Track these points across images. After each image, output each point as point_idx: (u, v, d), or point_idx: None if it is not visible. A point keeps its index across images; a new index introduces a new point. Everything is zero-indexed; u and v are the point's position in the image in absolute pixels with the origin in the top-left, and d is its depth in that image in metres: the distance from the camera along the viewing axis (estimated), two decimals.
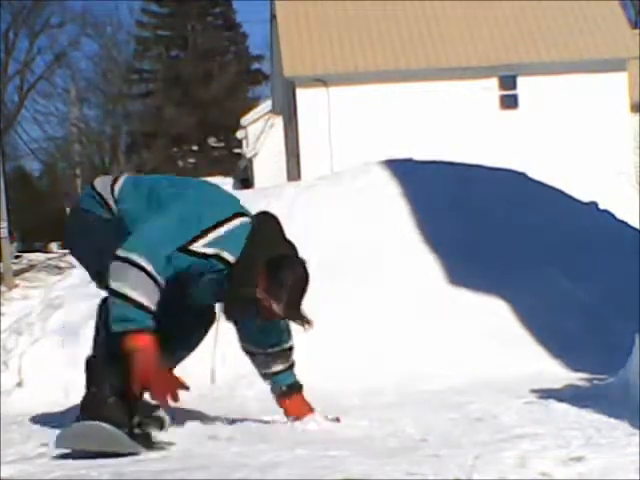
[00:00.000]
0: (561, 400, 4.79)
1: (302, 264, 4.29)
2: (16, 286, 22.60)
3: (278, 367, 4.65)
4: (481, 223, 7.40)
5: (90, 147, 49.79)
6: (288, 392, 4.61)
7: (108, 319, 4.16)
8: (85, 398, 4.29)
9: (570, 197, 8.34)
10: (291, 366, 4.68)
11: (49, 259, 36.91)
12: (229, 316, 4.51)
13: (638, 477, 3.21)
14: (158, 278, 4.08)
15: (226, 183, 36.19)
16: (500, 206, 7.69)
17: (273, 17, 31.54)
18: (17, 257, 36.42)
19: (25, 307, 7.38)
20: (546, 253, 7.13)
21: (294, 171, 29.33)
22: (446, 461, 3.58)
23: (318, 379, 5.59)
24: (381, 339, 6.13)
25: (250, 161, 38.75)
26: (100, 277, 4.42)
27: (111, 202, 4.44)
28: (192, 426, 4.56)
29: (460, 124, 28.13)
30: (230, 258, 4.27)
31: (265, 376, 4.70)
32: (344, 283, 6.57)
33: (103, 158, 49.16)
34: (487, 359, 5.96)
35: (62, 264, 30.84)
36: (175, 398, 4.13)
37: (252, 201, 7.82)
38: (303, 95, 28.85)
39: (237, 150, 46.02)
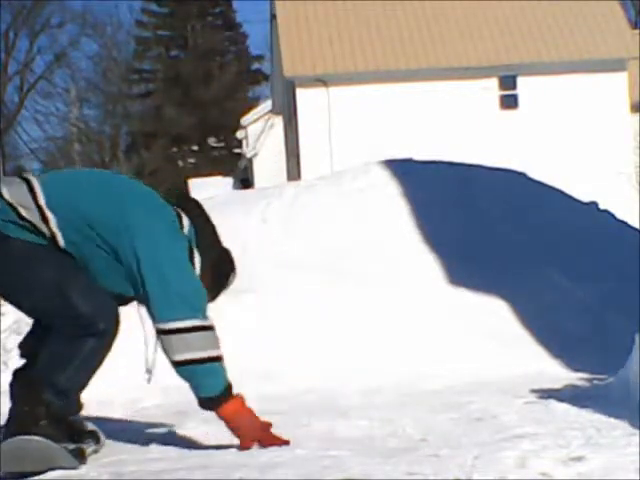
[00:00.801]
0: (561, 400, 4.79)
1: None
2: None
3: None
4: (481, 223, 7.40)
5: (90, 147, 49.80)
6: None
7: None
8: (15, 414, 3.90)
9: (570, 197, 8.34)
10: None
11: None
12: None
13: (638, 477, 3.21)
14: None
15: (226, 183, 36.22)
16: (500, 206, 7.69)
17: (273, 17, 31.54)
18: None
19: None
20: (546, 253, 7.13)
21: (294, 171, 29.34)
22: (446, 461, 3.58)
23: (318, 379, 5.59)
24: (381, 339, 6.13)
25: (250, 161, 38.74)
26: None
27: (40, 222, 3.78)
28: (192, 426, 4.56)
29: (460, 124, 28.13)
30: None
31: None
32: (344, 283, 6.57)
33: (103, 158, 49.15)
34: (487, 359, 5.96)
35: None
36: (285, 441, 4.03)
37: (252, 201, 7.83)
38: (303, 95, 28.85)
39: (237, 150, 46.02)
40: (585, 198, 8.53)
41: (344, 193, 7.66)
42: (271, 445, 4.00)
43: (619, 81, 29.08)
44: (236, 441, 4.17)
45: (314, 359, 5.86)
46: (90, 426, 4.17)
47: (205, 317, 3.97)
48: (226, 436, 4.34)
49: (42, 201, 3.77)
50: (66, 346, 3.94)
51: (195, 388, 4.02)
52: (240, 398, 4.08)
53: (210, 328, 4.00)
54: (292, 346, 5.99)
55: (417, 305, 6.47)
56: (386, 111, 28.19)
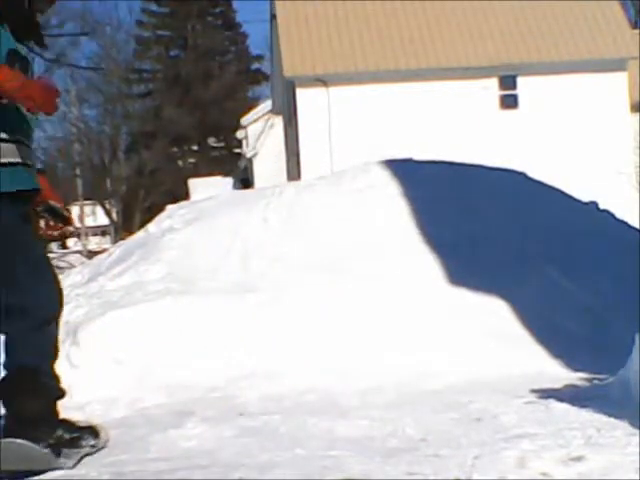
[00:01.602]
0: (561, 400, 4.79)
1: None
2: None
3: None
4: (481, 223, 7.40)
5: (90, 147, 49.79)
6: None
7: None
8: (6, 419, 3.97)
9: (570, 197, 8.34)
10: None
11: None
12: None
13: (638, 477, 3.21)
14: None
15: (226, 183, 36.21)
16: (500, 206, 7.69)
17: (273, 17, 31.54)
18: None
19: None
20: (546, 253, 7.13)
21: (294, 171, 29.34)
22: (446, 461, 3.58)
23: (318, 378, 5.59)
24: (381, 339, 6.13)
25: (250, 161, 38.75)
26: None
27: None
28: (192, 426, 4.56)
29: (460, 124, 28.13)
30: None
31: None
32: (344, 282, 6.57)
33: (103, 158, 49.15)
34: (487, 359, 5.95)
35: (62, 264, 30.85)
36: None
37: (252, 201, 7.83)
38: (303, 95, 28.85)
39: (237, 150, 46.03)
40: (585, 198, 8.53)
41: (344, 193, 7.66)
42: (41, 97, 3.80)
43: (619, 81, 29.08)
44: (236, 440, 4.18)
45: (314, 359, 5.86)
46: (88, 423, 4.28)
47: None
48: (226, 436, 4.35)
49: None
50: None
51: None
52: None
53: None
54: (292, 346, 5.99)
55: (417, 305, 6.47)
56: (386, 111, 28.19)
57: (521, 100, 29.42)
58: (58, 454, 3.88)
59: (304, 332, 6.10)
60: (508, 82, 29.46)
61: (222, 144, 53.59)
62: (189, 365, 5.80)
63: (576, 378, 5.62)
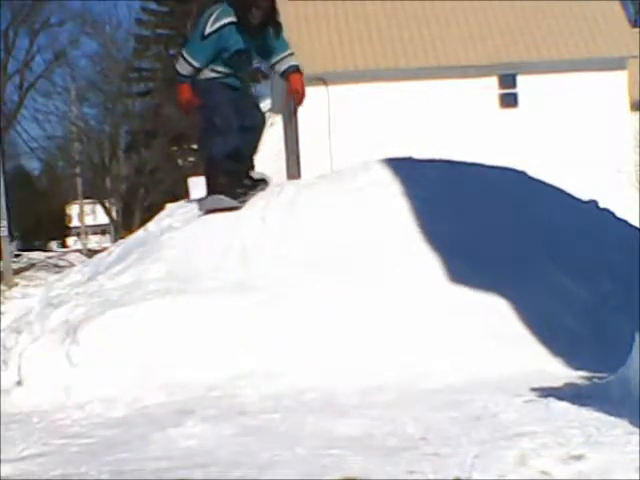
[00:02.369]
0: (561, 399, 4.79)
1: None
2: (16, 285, 22.59)
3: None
4: (481, 221, 7.39)
5: (90, 146, 49.73)
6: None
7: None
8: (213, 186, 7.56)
9: (570, 195, 8.34)
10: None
11: (49, 258, 36.93)
12: None
13: (638, 476, 3.21)
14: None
15: None
16: (500, 205, 7.69)
17: None
18: (17, 256, 36.43)
19: (25, 306, 7.37)
20: (546, 251, 7.13)
21: (294, 170, 29.33)
22: (446, 460, 3.58)
23: (318, 378, 5.59)
24: (381, 338, 6.13)
25: None
26: None
27: None
28: (192, 425, 4.56)
29: (460, 123, 28.13)
30: None
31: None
32: (344, 281, 6.57)
33: (103, 157, 49.09)
34: (487, 358, 5.95)
35: (62, 263, 30.86)
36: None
37: (251, 200, 7.83)
38: None
39: None
40: (585, 197, 8.53)
41: (344, 192, 7.66)
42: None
43: (619, 80, 29.08)
44: (236, 439, 4.18)
45: (314, 358, 5.86)
46: (260, 175, 7.84)
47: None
48: (226, 435, 4.35)
49: None
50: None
51: None
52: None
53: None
54: (292, 345, 5.99)
55: (417, 304, 6.47)
56: (386, 110, 28.19)
57: (521, 99, 29.41)
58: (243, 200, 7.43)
59: (304, 331, 6.10)
60: (508, 81, 29.46)
61: None
62: (189, 364, 5.80)
63: (576, 377, 5.62)
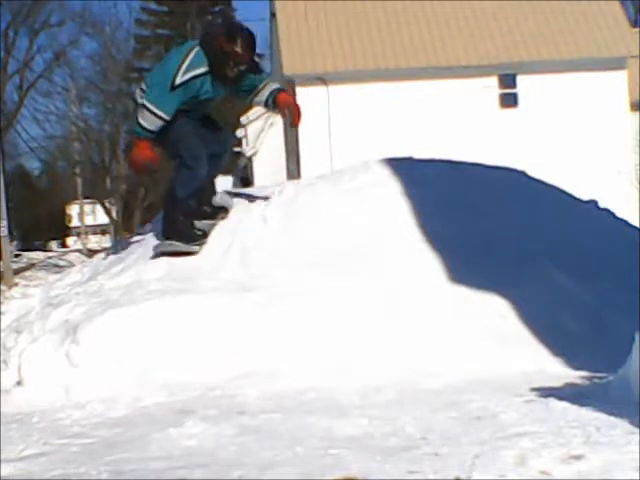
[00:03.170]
0: (561, 398, 4.79)
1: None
2: (16, 285, 22.60)
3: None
4: (481, 221, 7.39)
5: (90, 146, 49.74)
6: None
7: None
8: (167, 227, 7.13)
9: (570, 195, 8.34)
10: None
11: (49, 258, 36.93)
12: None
13: (638, 476, 3.21)
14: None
15: (226, 182, 36.14)
16: (499, 205, 7.68)
17: (273, 15, 31.54)
18: (17, 256, 36.44)
19: (25, 306, 7.37)
20: (546, 251, 7.13)
21: (294, 170, 29.33)
22: (446, 460, 3.58)
23: (318, 378, 5.59)
24: (381, 337, 6.13)
25: (250, 160, 38.71)
26: None
27: None
28: (191, 424, 4.56)
29: (460, 122, 28.12)
30: None
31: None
32: (344, 281, 6.57)
33: (103, 157, 49.09)
34: (487, 358, 5.95)
35: (62, 263, 30.86)
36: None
37: (252, 200, 7.83)
38: (303, 93, 28.81)
39: (237, 149, 45.99)
40: (585, 196, 8.53)
41: (344, 191, 7.66)
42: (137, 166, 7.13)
43: (619, 79, 29.08)
44: (236, 439, 4.18)
45: (314, 358, 5.86)
46: (221, 202, 7.32)
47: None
48: (226, 434, 4.35)
49: None
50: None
51: None
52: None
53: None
54: (292, 344, 5.99)
55: (417, 304, 6.47)
56: (386, 109, 28.19)
57: (521, 99, 29.41)
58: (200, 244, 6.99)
59: (304, 331, 6.10)
60: (508, 81, 29.45)
61: None
62: (189, 364, 5.80)
63: (576, 377, 5.62)
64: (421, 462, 3.55)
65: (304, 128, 28.84)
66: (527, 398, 4.96)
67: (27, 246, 49.88)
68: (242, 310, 6.22)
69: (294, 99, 7.28)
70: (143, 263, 7.14)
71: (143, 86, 7.05)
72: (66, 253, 46.09)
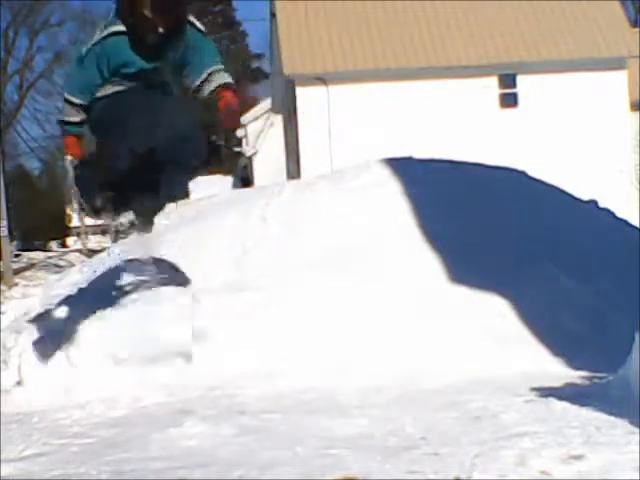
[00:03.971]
0: (561, 398, 4.78)
1: None
2: (16, 285, 22.59)
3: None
4: (481, 221, 7.39)
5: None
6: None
7: None
8: None
9: (570, 195, 8.34)
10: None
11: (49, 258, 36.90)
12: None
13: (638, 476, 3.21)
14: None
15: (226, 182, 36.14)
16: (500, 204, 7.68)
17: (273, 15, 31.52)
18: (17, 256, 36.42)
19: (25, 306, 7.37)
20: (546, 251, 7.13)
21: (294, 170, 29.32)
22: (446, 459, 3.58)
23: (318, 377, 5.59)
24: (381, 337, 6.13)
25: (250, 160, 38.71)
26: None
27: None
28: (191, 424, 4.56)
29: (460, 123, 28.10)
30: None
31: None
32: (344, 281, 6.57)
33: None
34: (487, 358, 5.95)
35: (62, 263, 30.85)
36: None
37: (252, 200, 7.83)
38: (303, 93, 28.82)
39: (237, 149, 45.97)
40: (585, 196, 8.52)
41: (344, 191, 7.66)
42: None
43: (619, 80, 29.06)
44: (236, 439, 4.18)
45: (314, 358, 5.86)
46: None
47: None
48: (226, 434, 4.35)
49: None
50: None
51: None
52: None
53: None
54: (292, 344, 5.99)
55: (417, 303, 6.47)
56: (386, 109, 28.17)
57: (521, 99, 29.39)
58: None
59: (304, 331, 6.10)
60: (508, 81, 29.43)
61: (222, 143, 53.50)
62: (189, 364, 5.80)
63: (576, 377, 5.62)
64: (421, 462, 3.55)
65: (304, 128, 28.86)
66: (527, 398, 4.96)
67: (27, 246, 49.83)
68: (242, 310, 6.22)
69: (237, 102, 5.76)
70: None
71: None
72: (66, 253, 46.06)
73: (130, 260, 6.35)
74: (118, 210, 5.58)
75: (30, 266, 31.13)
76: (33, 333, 6.44)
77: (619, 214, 8.33)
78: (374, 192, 7.61)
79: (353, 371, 5.76)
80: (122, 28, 5.27)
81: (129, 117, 5.33)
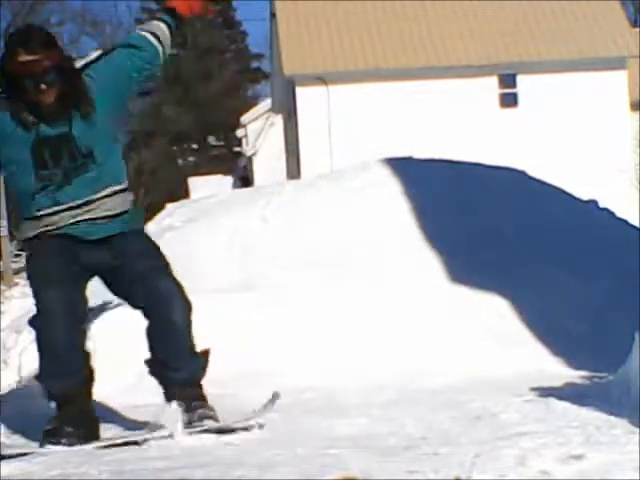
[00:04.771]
0: (561, 398, 4.78)
1: None
2: (16, 284, 22.59)
3: None
4: (481, 221, 7.40)
5: None
6: None
7: None
8: None
9: (570, 195, 8.34)
10: None
11: None
12: None
13: (638, 476, 3.21)
14: None
15: (226, 182, 36.17)
16: (499, 204, 7.69)
17: (273, 15, 31.53)
18: (17, 256, 36.40)
19: (25, 305, 7.37)
20: (546, 251, 7.13)
21: (294, 170, 29.33)
22: (446, 459, 3.58)
23: (318, 377, 5.60)
24: (381, 337, 6.13)
25: (250, 160, 38.72)
26: None
27: None
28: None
29: (460, 122, 28.11)
30: None
31: None
32: (344, 281, 6.57)
33: None
34: (487, 357, 5.96)
35: None
36: None
37: (252, 200, 7.83)
38: (303, 93, 28.84)
39: (237, 149, 45.99)
40: (585, 196, 8.53)
41: (344, 191, 7.66)
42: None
43: (619, 79, 29.07)
44: (235, 439, 4.17)
45: (314, 357, 5.86)
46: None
47: None
48: (226, 435, 4.34)
49: None
50: None
51: None
52: None
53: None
54: (292, 344, 5.99)
55: (417, 303, 6.47)
56: (386, 109, 28.18)
57: (521, 99, 29.40)
58: None
59: (304, 331, 6.10)
60: (508, 81, 29.45)
61: (222, 143, 53.55)
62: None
63: (576, 376, 5.62)
64: (421, 462, 3.55)
65: (304, 128, 28.87)
66: (527, 398, 4.96)
67: None
68: (242, 310, 6.22)
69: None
70: None
71: None
72: None
73: None
74: None
75: None
76: (33, 333, 6.43)
77: (619, 214, 8.33)
78: (374, 192, 7.61)
79: (353, 371, 5.76)
80: None
81: None
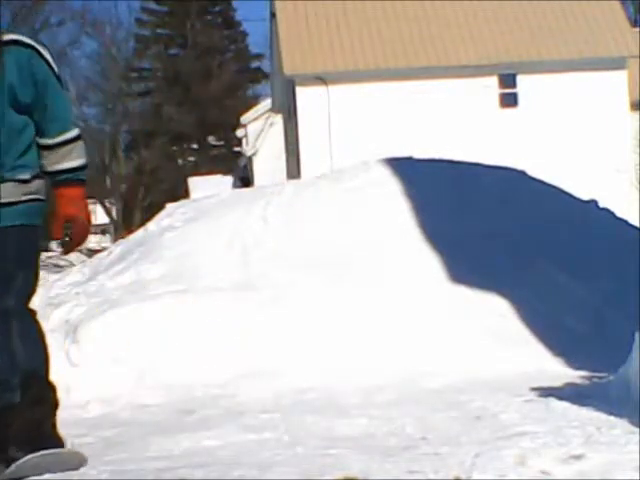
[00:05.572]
0: (561, 398, 4.79)
1: None
2: None
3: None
4: (481, 221, 7.40)
5: (90, 146, 49.68)
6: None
7: None
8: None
9: (570, 195, 8.34)
10: None
11: (49, 258, 36.89)
12: None
13: (638, 476, 3.21)
14: None
15: (226, 182, 36.16)
16: (499, 204, 7.69)
17: (273, 15, 31.53)
18: None
19: None
20: (546, 251, 7.13)
21: (294, 169, 29.33)
22: (446, 459, 3.58)
23: (318, 377, 5.59)
24: (381, 337, 6.13)
25: (250, 159, 38.72)
26: None
27: None
28: (192, 424, 4.56)
29: (460, 122, 28.11)
30: None
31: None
32: (344, 281, 6.57)
33: (103, 157, 49.10)
34: (487, 357, 5.96)
35: (62, 263, 30.83)
36: None
37: (252, 200, 7.83)
38: (303, 93, 28.83)
39: (237, 149, 45.99)
40: (585, 196, 8.53)
41: (344, 191, 7.66)
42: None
43: (619, 79, 29.06)
44: (236, 439, 4.18)
45: (314, 357, 5.86)
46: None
47: None
48: (226, 435, 4.35)
49: None
50: None
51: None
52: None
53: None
54: (292, 344, 5.99)
55: (417, 303, 6.47)
56: (386, 109, 28.18)
57: (521, 99, 29.39)
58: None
59: (304, 331, 6.10)
60: (508, 80, 29.44)
61: (222, 142, 53.58)
62: (189, 364, 5.80)
63: (576, 376, 5.62)
64: (421, 462, 3.55)
65: (304, 128, 28.88)
66: (527, 398, 4.96)
67: None
68: (242, 310, 6.22)
69: (80, 210, 4.35)
70: (143, 263, 7.14)
71: None
72: None
73: None
74: None
75: None
76: None
77: (619, 214, 8.34)
78: (374, 192, 7.61)
79: (353, 371, 5.76)
80: None
81: None
